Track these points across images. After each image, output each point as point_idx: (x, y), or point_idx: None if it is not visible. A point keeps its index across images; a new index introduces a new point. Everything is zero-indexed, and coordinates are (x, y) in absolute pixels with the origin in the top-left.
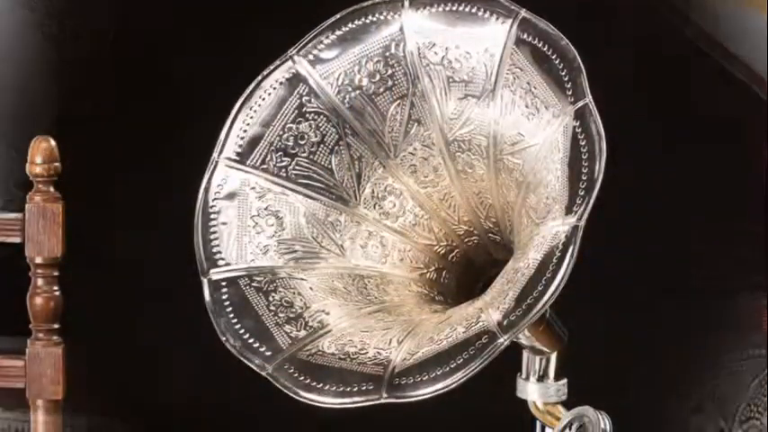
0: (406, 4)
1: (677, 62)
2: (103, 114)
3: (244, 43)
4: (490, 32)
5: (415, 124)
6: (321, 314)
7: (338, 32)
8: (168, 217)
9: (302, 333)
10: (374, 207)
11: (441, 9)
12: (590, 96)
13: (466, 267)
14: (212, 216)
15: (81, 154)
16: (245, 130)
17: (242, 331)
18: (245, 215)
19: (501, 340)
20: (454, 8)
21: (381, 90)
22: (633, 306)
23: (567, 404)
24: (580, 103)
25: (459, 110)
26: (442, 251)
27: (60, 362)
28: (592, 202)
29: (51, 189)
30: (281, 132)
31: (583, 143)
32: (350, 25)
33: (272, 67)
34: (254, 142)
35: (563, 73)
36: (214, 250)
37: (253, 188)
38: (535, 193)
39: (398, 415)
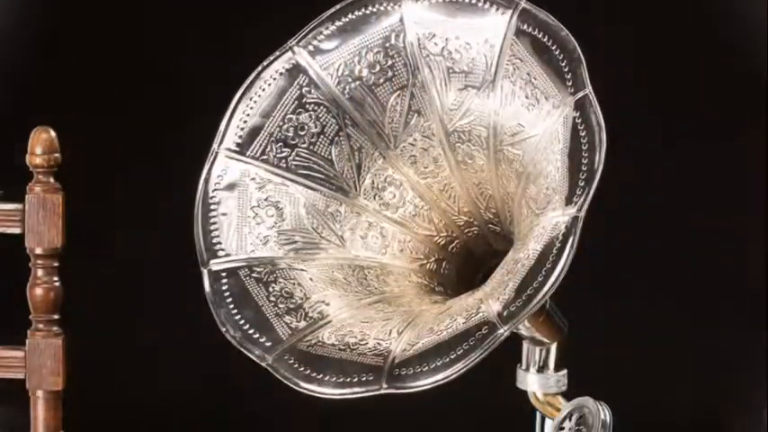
0: None
1: (678, 55)
2: (104, 105)
3: (244, 34)
4: (490, 23)
5: (415, 115)
6: (321, 305)
7: (338, 23)
8: (168, 208)
9: (302, 324)
10: (374, 198)
11: (441, 0)
12: (590, 87)
13: (466, 258)
14: (212, 207)
15: (81, 145)
16: (245, 121)
17: (242, 322)
18: (245, 206)
19: (501, 331)
20: None
21: (381, 81)
22: (633, 297)
23: (567, 395)
24: (580, 94)
25: (459, 101)
26: (442, 242)
27: (60, 353)
28: (592, 192)
29: (51, 180)
30: (280, 123)
31: (583, 134)
32: (350, 16)
33: (271, 58)
34: (254, 133)
35: (563, 64)
36: (214, 241)
37: (253, 179)
38: (535, 184)
39: (398, 406)
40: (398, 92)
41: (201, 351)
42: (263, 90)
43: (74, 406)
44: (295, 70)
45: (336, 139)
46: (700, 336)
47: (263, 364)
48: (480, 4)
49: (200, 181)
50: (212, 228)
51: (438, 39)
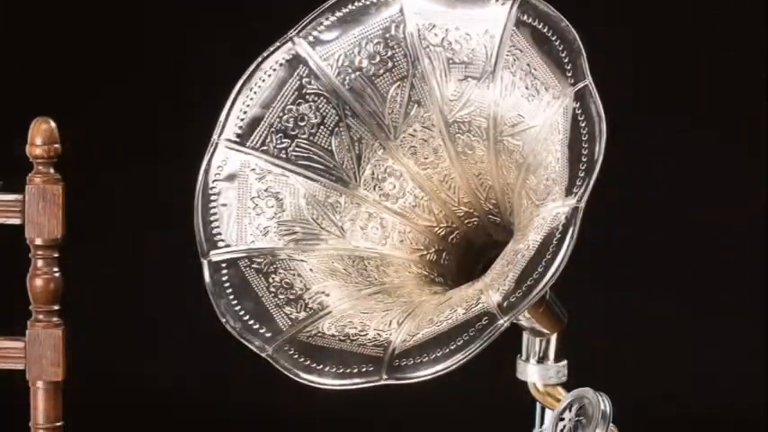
0: None
1: (678, 49)
2: (104, 96)
3: (244, 25)
4: (490, 14)
5: (415, 106)
6: (321, 295)
7: (338, 14)
8: (168, 199)
9: (302, 314)
10: (374, 188)
11: None
12: (590, 78)
13: (466, 249)
14: (212, 198)
15: (81, 136)
16: (245, 112)
17: (242, 313)
18: (245, 196)
19: (501, 322)
20: None
21: (381, 71)
22: (633, 289)
23: (567, 386)
24: (580, 85)
25: (459, 91)
26: (442, 233)
27: (60, 343)
28: (592, 183)
29: (51, 171)
30: (281, 114)
31: (583, 124)
32: (350, 6)
33: (271, 49)
34: (254, 124)
35: (563, 54)
36: (214, 232)
37: (253, 169)
38: (535, 175)
39: (398, 396)
40: (398, 83)
41: (201, 342)
42: (263, 81)
43: (74, 397)
44: (295, 61)
45: (336, 129)
46: (699, 329)
47: (263, 355)
48: None
49: (200, 172)
50: (212, 219)
51: (438, 29)
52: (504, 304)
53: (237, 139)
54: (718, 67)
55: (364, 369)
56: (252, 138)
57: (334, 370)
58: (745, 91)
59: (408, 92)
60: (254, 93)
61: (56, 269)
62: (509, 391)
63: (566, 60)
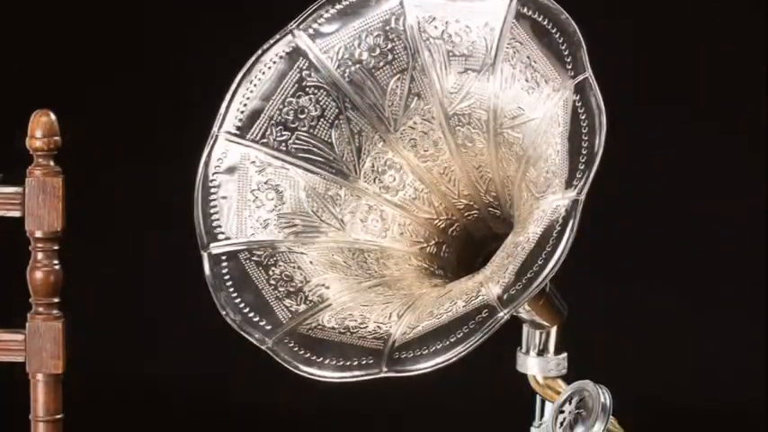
0: None
1: (678, 42)
2: (104, 89)
3: (244, 17)
4: (490, 6)
5: (415, 98)
6: (321, 288)
7: (338, 6)
8: (168, 191)
9: (302, 307)
10: (374, 181)
11: None
12: (590, 70)
13: (466, 241)
14: (212, 190)
15: (81, 128)
16: (245, 105)
17: (242, 305)
18: (245, 189)
19: (501, 314)
20: None
21: (381, 64)
22: (633, 282)
23: (567, 378)
24: (580, 77)
25: (459, 84)
26: (442, 225)
27: (60, 336)
28: (592, 176)
29: (51, 163)
30: (281, 106)
31: (583, 117)
32: None
33: (271, 42)
34: (253, 116)
35: (563, 47)
36: (214, 224)
37: (253, 162)
38: (535, 167)
39: (398, 389)
40: (398, 75)
41: (201, 334)
42: (263, 73)
43: (74, 390)
44: (295, 53)
45: (336, 122)
46: (699, 322)
47: (263, 348)
48: None
49: (200, 164)
50: (212, 211)
51: (438, 22)
52: (504, 297)
53: (237, 132)
54: (718, 60)
55: (364, 362)
56: (252, 130)
57: (334, 362)
58: (745, 84)
59: (408, 84)
60: (254, 85)
61: (56, 262)
62: (509, 384)
63: (566, 53)
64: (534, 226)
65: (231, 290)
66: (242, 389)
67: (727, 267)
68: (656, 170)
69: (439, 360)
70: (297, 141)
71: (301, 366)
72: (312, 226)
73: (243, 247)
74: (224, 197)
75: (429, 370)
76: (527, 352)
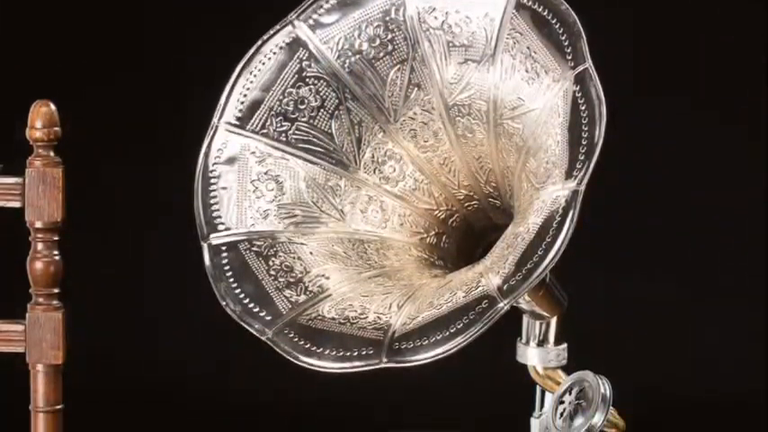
0: None
1: (678, 33)
2: (104, 80)
3: (244, 8)
4: None
5: (415, 89)
6: (321, 279)
7: None
8: (168, 182)
9: (302, 298)
10: (374, 172)
11: None
12: (590, 61)
13: (466, 232)
14: (212, 181)
15: (81, 119)
16: (245, 95)
17: (242, 296)
18: (245, 180)
19: (501, 305)
20: None
21: (381, 55)
22: (633, 273)
23: (567, 369)
24: (580, 68)
25: (459, 74)
26: (442, 216)
27: (60, 326)
28: (592, 166)
29: (51, 154)
30: (281, 97)
31: (583, 108)
32: None
33: (272, 32)
34: (254, 107)
35: (563, 38)
36: (214, 215)
37: (253, 153)
38: (535, 158)
39: (398, 380)
40: (398, 66)
41: (201, 325)
42: (264, 64)
43: (74, 380)
44: (295, 44)
45: (336, 112)
46: (699, 313)
47: (263, 338)
48: None
49: (201, 155)
50: (212, 202)
51: (438, 12)
52: (504, 287)
53: (237, 123)
54: (717, 51)
55: (364, 352)
56: (252, 121)
57: (334, 353)
58: (745, 74)
59: (408, 75)
60: (255, 76)
61: (56, 252)
62: (509, 375)
63: (566, 43)
64: (534, 216)
65: (231, 280)
66: (242, 380)
67: (727, 258)
68: (656, 161)
69: (439, 351)
70: (297, 132)
71: (301, 357)
72: (312, 216)
73: (243, 238)
74: (224, 188)
75: (429, 360)
76: (527, 342)
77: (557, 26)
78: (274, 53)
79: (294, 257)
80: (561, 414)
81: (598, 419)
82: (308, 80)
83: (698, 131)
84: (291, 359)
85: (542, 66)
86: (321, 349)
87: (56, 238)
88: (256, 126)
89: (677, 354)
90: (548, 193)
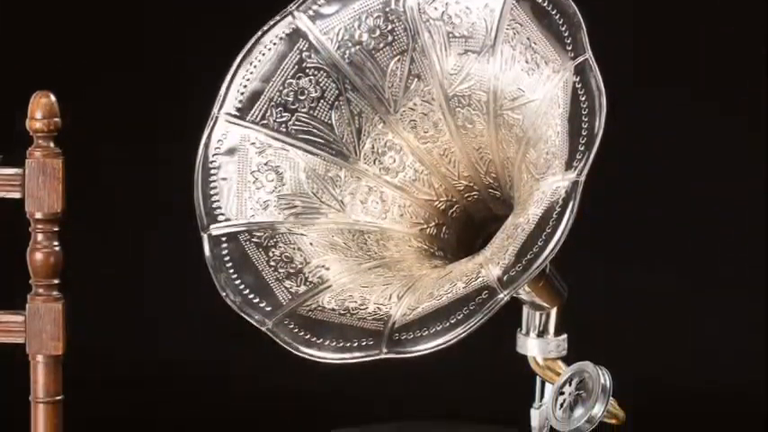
0: None
1: (678, 24)
2: (104, 70)
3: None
4: None
5: (415, 80)
6: (321, 269)
7: None
8: (168, 173)
9: (302, 288)
10: (374, 162)
11: None
12: (590, 52)
13: (466, 223)
14: (212, 171)
15: (81, 109)
16: (245, 86)
17: (242, 287)
18: (245, 170)
19: (501, 296)
20: None
21: (381, 45)
22: (633, 264)
23: (567, 359)
24: (580, 59)
25: (459, 65)
26: (442, 207)
27: (60, 317)
28: (592, 157)
29: (51, 144)
30: (281, 88)
31: (583, 98)
32: None
33: (271, 23)
34: (254, 98)
35: (563, 28)
36: (214, 206)
37: (253, 143)
38: (535, 149)
39: (398, 370)
40: (398, 56)
41: (202, 315)
42: (264, 55)
43: (74, 370)
44: (295, 35)
45: (336, 103)
46: (699, 303)
47: (263, 329)
48: None
49: (200, 146)
50: (212, 192)
51: (438, 3)
52: (504, 278)
53: (237, 113)
54: (718, 42)
55: (364, 343)
56: (252, 112)
57: (334, 344)
58: (745, 66)
59: (408, 66)
60: (255, 67)
61: (56, 243)
62: (509, 365)
63: (566, 34)
64: (534, 207)
65: (231, 271)
66: (242, 370)
67: (727, 249)
68: (656, 152)
69: (439, 341)
70: (297, 123)
71: (301, 348)
72: (312, 207)
73: (243, 229)
74: (224, 178)
75: (429, 351)
76: (527, 333)
77: (557, 17)
78: (274, 44)
79: (294, 248)
80: (561, 405)
81: (598, 410)
82: (308, 71)
83: (698, 123)
84: (291, 350)
85: (542, 57)
86: (321, 340)
87: (56, 229)
88: (256, 117)
89: (677, 345)
90: (548, 183)
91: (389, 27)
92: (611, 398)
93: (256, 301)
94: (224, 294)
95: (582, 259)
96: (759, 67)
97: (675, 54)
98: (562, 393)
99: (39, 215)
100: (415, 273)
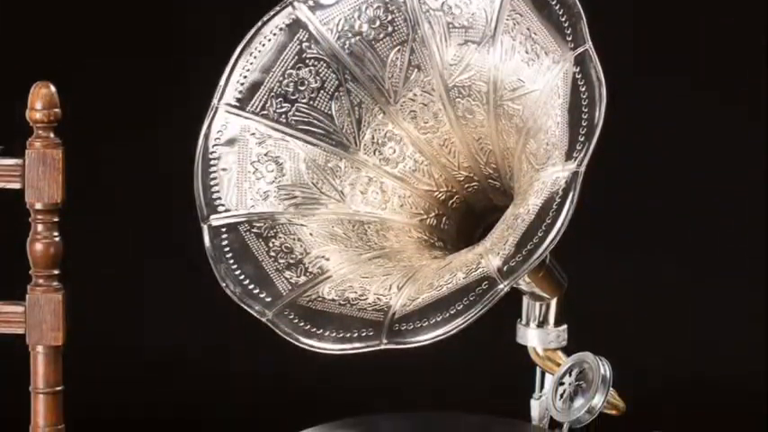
0: None
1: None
2: (104, 62)
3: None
4: None
5: (415, 70)
6: (321, 260)
7: None
8: (168, 164)
9: (302, 279)
10: (374, 153)
11: None
12: (590, 42)
13: (466, 213)
14: (212, 162)
15: (82, 100)
16: (245, 77)
17: (242, 277)
18: (245, 161)
19: (501, 286)
20: None
21: (381, 36)
22: (633, 254)
23: (567, 350)
24: (580, 49)
25: (459, 56)
26: (442, 197)
27: (60, 308)
28: (592, 148)
29: (51, 135)
30: (281, 78)
31: (583, 89)
32: None
33: (272, 13)
34: (253, 88)
35: (563, 19)
36: (214, 196)
37: (253, 134)
38: (535, 139)
39: (398, 361)
40: (398, 47)
41: (202, 306)
42: (263, 45)
43: (73, 361)
44: (295, 25)
45: (336, 94)
46: (699, 294)
47: (264, 320)
48: None
49: (200, 136)
50: (212, 183)
51: None
52: (504, 269)
53: (237, 104)
54: (718, 32)
55: (364, 333)
56: (252, 102)
57: (334, 334)
58: (745, 56)
59: (408, 56)
60: (254, 57)
61: (56, 233)
62: (509, 356)
63: (566, 25)
64: (534, 198)
65: (231, 262)
66: (242, 361)
67: (727, 240)
68: (656, 142)
69: (439, 332)
70: (297, 113)
71: (302, 338)
72: (312, 198)
73: (243, 219)
74: (224, 169)
75: (429, 342)
76: (527, 324)
77: (556, 7)
78: (274, 34)
79: (294, 239)
80: (561, 395)
81: (598, 401)
82: (308, 61)
83: (698, 113)
84: (291, 340)
85: (542, 47)
86: (321, 330)
87: (56, 220)
88: (256, 107)
89: (677, 335)
90: (548, 174)
91: (389, 17)
92: (611, 388)
93: (256, 291)
94: (224, 285)
95: (582, 250)
96: (759, 58)
97: (675, 45)
98: (562, 384)
99: (39, 206)
100: (415, 263)
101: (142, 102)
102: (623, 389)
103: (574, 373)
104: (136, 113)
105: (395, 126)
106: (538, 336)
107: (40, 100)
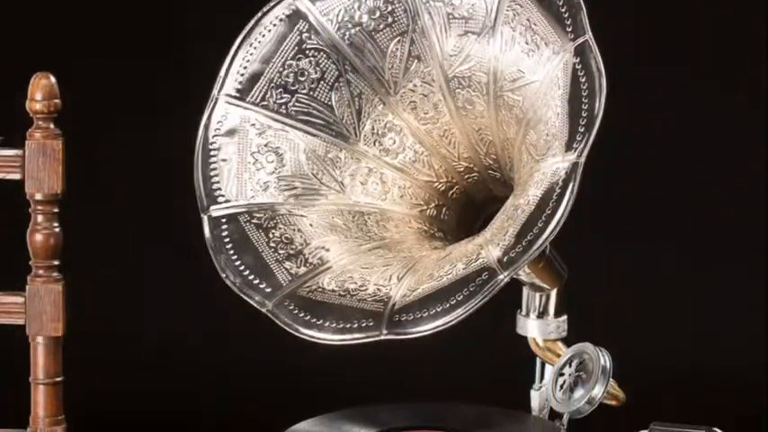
0: None
1: (678, 6)
2: (104, 52)
3: None
4: None
5: (415, 61)
6: (321, 251)
7: None
8: (168, 154)
9: (302, 270)
10: (374, 144)
11: None
12: (590, 33)
13: (466, 204)
14: (212, 153)
15: (82, 91)
16: (245, 67)
17: (242, 268)
18: (245, 152)
19: (501, 277)
20: None
21: (381, 27)
22: (633, 245)
23: (567, 341)
24: (580, 40)
25: (459, 46)
26: (442, 188)
27: (60, 299)
28: (592, 138)
29: (51, 126)
30: (281, 69)
31: (583, 80)
32: None
33: (272, 4)
34: (253, 79)
35: (563, 9)
36: (214, 187)
37: (253, 125)
38: (535, 130)
39: (398, 351)
40: (398, 38)
41: (202, 296)
42: (263, 36)
43: (73, 352)
44: (295, 16)
45: (336, 84)
46: (699, 285)
47: (264, 310)
48: None
49: (200, 127)
50: (212, 174)
51: None
52: (504, 259)
53: (237, 95)
54: (718, 23)
55: (364, 324)
56: (252, 93)
57: (334, 325)
58: (745, 46)
59: (408, 47)
60: (254, 48)
61: (56, 224)
62: (509, 347)
63: (565, 15)
64: (534, 188)
65: (231, 252)
66: (242, 352)
67: (728, 230)
68: (656, 133)
69: (439, 323)
70: (297, 104)
71: (301, 329)
72: (312, 188)
73: (243, 210)
74: (224, 160)
75: (429, 332)
76: (527, 314)
77: None
78: (274, 25)
79: (294, 229)
80: (561, 386)
81: (598, 391)
82: (307, 52)
83: (698, 103)
84: (291, 331)
85: (542, 38)
86: (321, 321)
87: (56, 210)
88: (256, 98)
89: (677, 326)
90: (548, 165)
91: (389, 8)
92: (611, 379)
93: (256, 282)
94: (224, 275)
95: (582, 241)
96: (759, 48)
97: (675, 35)
98: (562, 375)
99: (39, 196)
100: (415, 254)
101: (142, 93)
102: (623, 379)
103: (574, 364)
104: (136, 104)
105: (395, 117)
106: (538, 326)
107: (40, 91)
